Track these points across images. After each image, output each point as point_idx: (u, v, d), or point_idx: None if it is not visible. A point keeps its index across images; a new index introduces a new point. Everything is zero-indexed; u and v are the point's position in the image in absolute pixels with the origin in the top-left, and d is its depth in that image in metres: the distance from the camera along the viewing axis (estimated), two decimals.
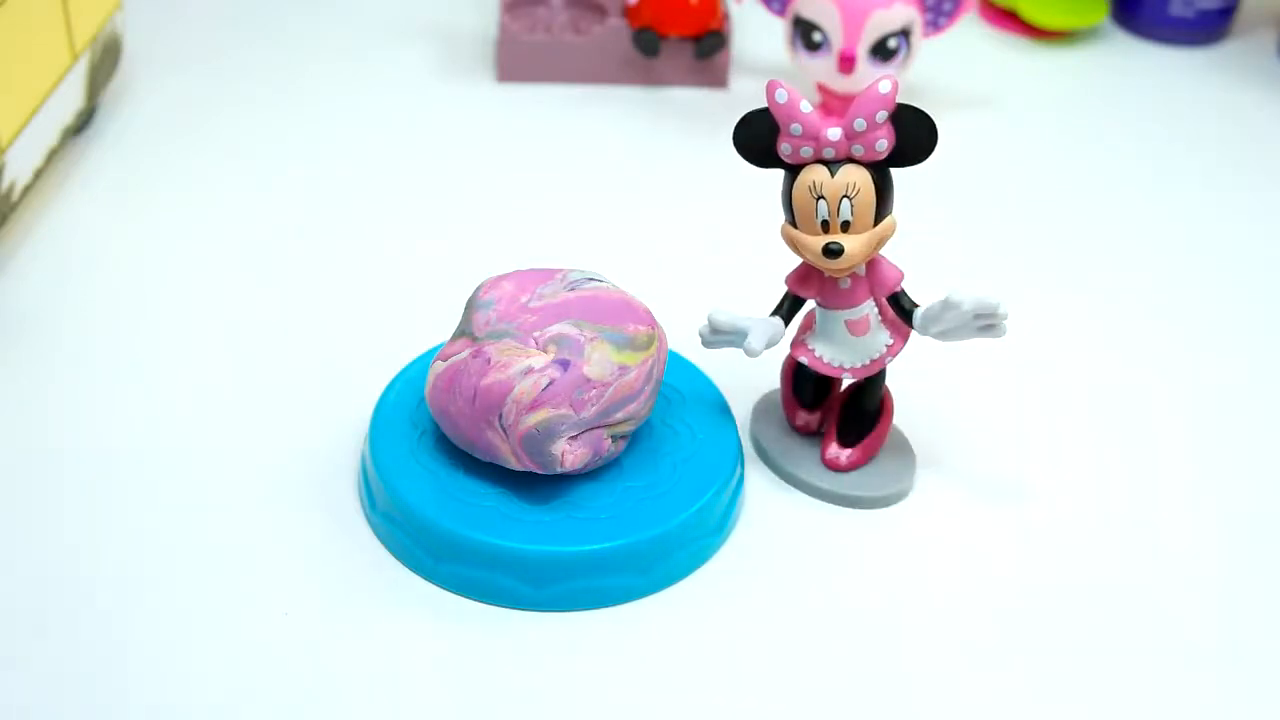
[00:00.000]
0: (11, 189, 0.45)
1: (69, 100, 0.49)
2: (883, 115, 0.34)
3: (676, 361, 0.40)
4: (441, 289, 0.43)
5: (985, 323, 0.35)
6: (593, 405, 0.35)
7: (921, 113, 0.34)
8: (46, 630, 0.34)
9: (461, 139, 0.56)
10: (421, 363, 0.40)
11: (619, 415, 0.35)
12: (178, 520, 0.37)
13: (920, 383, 0.42)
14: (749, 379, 0.41)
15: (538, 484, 0.36)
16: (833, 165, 0.34)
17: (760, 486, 0.39)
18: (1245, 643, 0.35)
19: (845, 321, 0.37)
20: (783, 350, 0.39)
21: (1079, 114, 0.60)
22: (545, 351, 0.35)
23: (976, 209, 0.53)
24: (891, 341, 0.37)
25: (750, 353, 0.37)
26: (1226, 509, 0.40)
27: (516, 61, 0.59)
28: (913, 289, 0.37)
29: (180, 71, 0.59)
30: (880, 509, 0.38)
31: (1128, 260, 0.51)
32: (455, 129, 0.57)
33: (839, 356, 0.38)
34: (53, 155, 0.49)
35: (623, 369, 0.35)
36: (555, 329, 0.35)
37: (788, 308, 0.38)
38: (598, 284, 0.37)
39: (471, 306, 0.37)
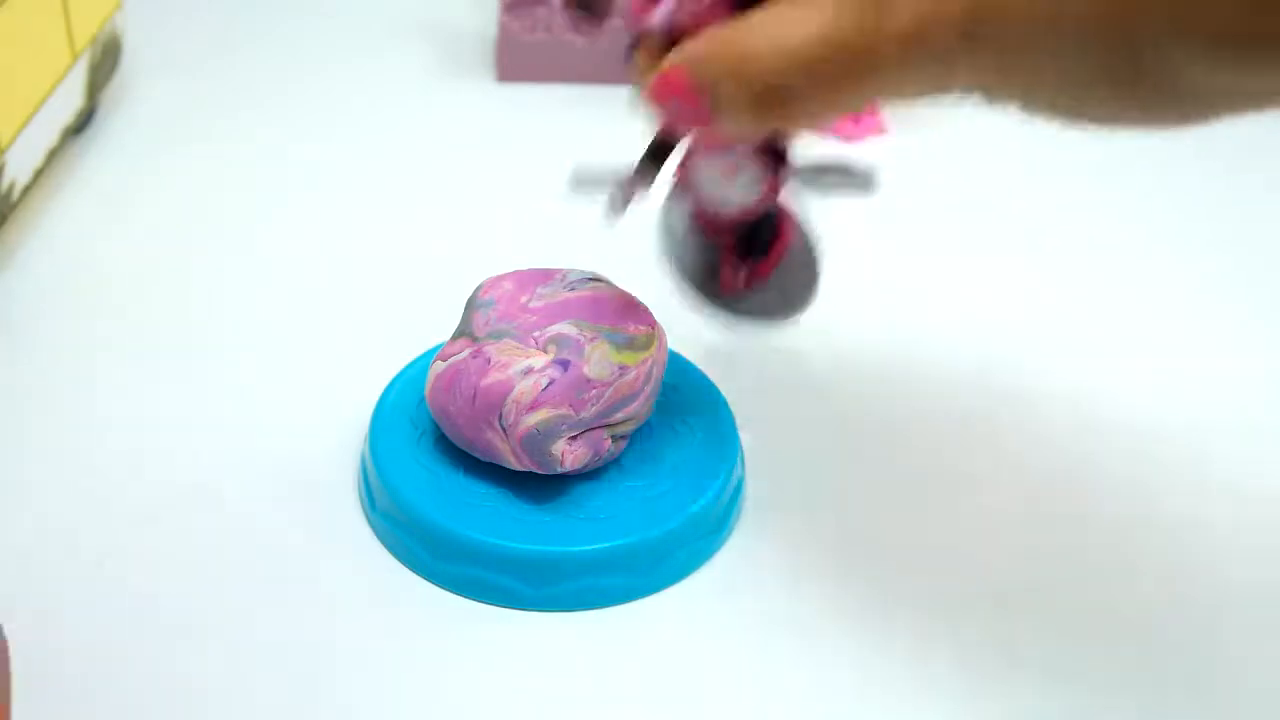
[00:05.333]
0: (11, 189, 0.45)
1: (69, 100, 0.49)
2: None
3: (676, 361, 0.40)
4: (442, 289, 0.43)
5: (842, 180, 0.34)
6: (593, 405, 0.35)
7: None
8: (36, 625, 0.34)
9: (461, 139, 0.56)
10: (422, 363, 0.40)
11: (619, 415, 0.35)
12: (175, 519, 0.37)
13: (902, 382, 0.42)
14: (750, 379, 0.41)
15: (537, 484, 0.36)
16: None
17: (760, 487, 0.39)
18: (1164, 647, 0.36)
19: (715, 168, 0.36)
20: None
21: None
22: (545, 352, 0.35)
23: (966, 204, 0.53)
24: (766, 186, 0.36)
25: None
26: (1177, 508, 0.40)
27: (516, 61, 0.59)
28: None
29: (180, 71, 0.59)
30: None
31: (1123, 262, 0.51)
32: (455, 129, 0.57)
33: (716, 192, 0.36)
34: (53, 155, 0.49)
35: (623, 369, 0.35)
36: (555, 329, 0.35)
37: (654, 155, 0.35)
38: (598, 284, 0.37)
39: (471, 306, 0.37)
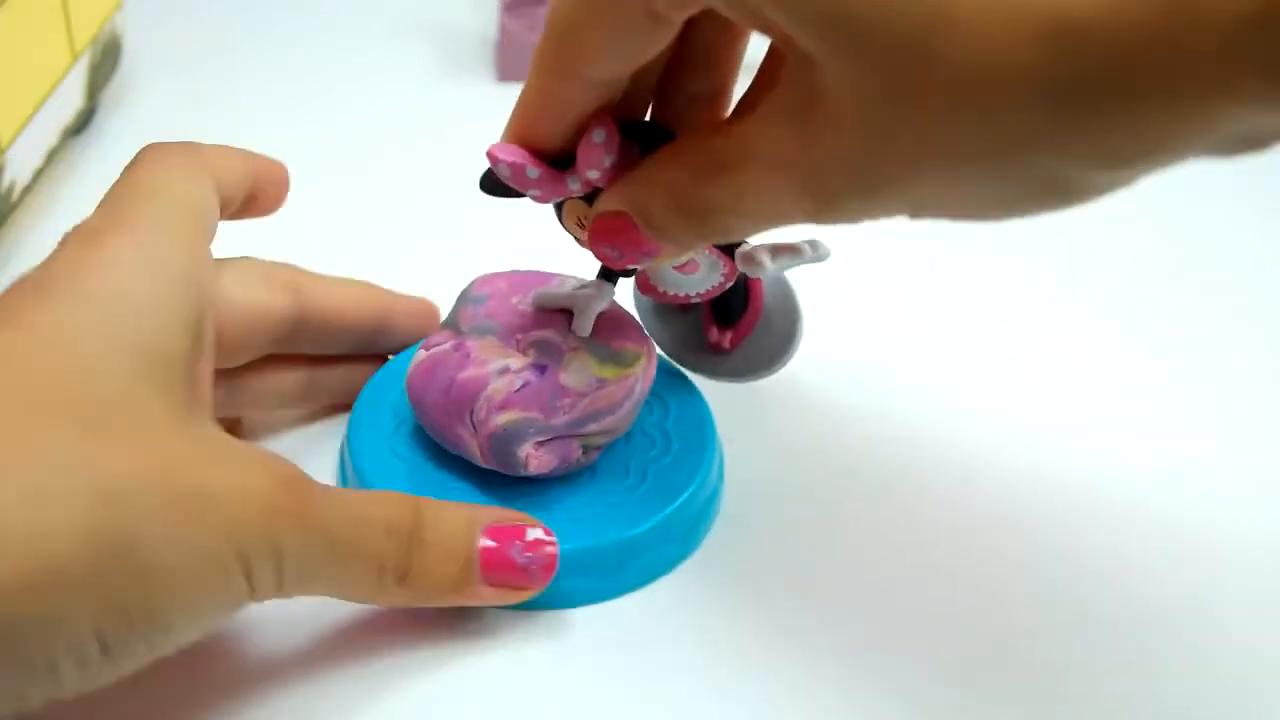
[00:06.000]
0: (11, 189, 0.45)
1: (69, 100, 0.50)
2: (609, 159, 0.31)
3: (664, 368, 0.40)
4: (439, 287, 0.43)
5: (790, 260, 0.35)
6: (565, 414, 0.34)
7: (657, 127, 0.33)
8: None
9: (461, 139, 0.56)
10: (409, 355, 0.40)
11: (592, 427, 0.35)
12: None
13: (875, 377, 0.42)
14: (737, 390, 0.41)
15: (510, 482, 0.36)
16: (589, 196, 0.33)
17: (737, 499, 0.39)
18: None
19: (672, 268, 0.37)
20: None
21: None
22: (525, 354, 0.35)
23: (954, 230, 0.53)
24: (726, 271, 0.36)
25: (581, 333, 0.36)
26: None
27: (516, 61, 0.59)
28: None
29: (180, 71, 0.59)
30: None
31: (1116, 263, 0.51)
32: (455, 129, 0.57)
33: (681, 289, 0.37)
34: (53, 155, 0.49)
35: (601, 382, 0.35)
36: (539, 333, 0.35)
37: (609, 276, 0.37)
38: None
39: (462, 300, 0.37)
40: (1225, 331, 0.47)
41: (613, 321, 0.36)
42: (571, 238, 0.35)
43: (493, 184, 0.33)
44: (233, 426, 0.40)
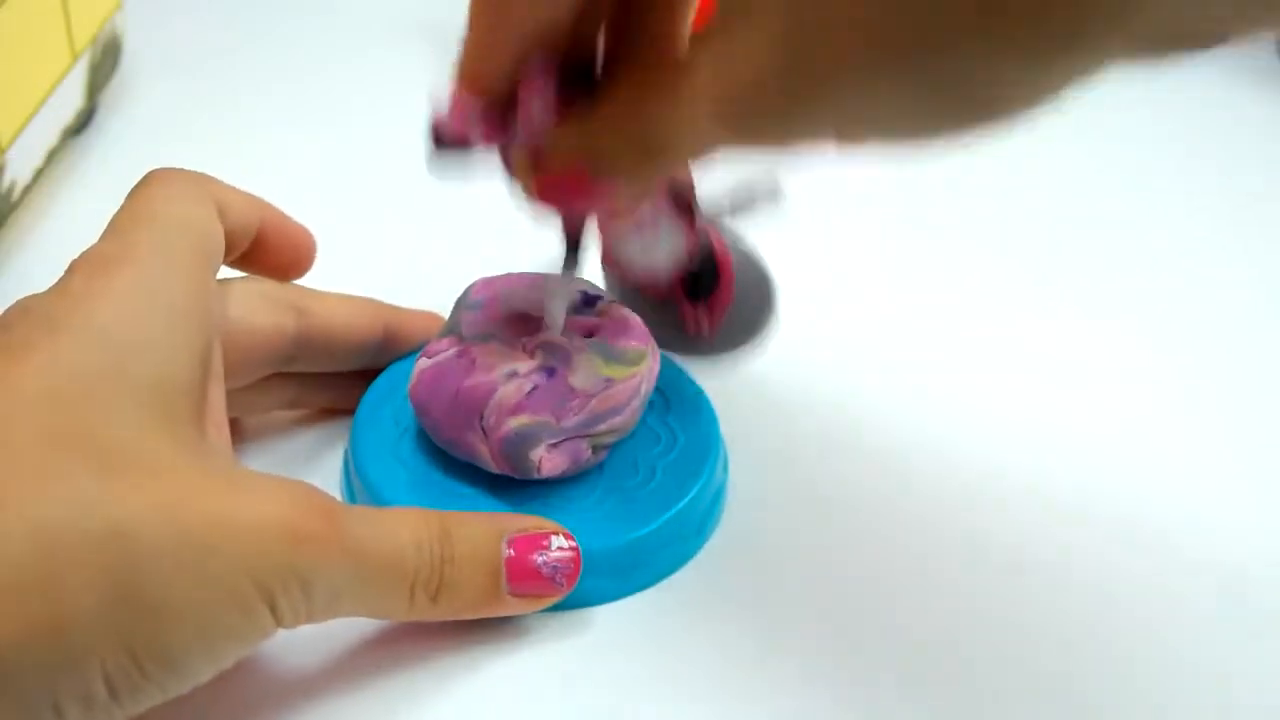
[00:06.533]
0: (11, 189, 0.45)
1: (69, 100, 0.50)
2: (548, 96, 0.31)
3: (665, 364, 0.40)
4: (440, 288, 0.43)
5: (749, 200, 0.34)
6: (575, 415, 0.34)
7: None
8: None
9: None
10: (410, 361, 0.40)
11: (602, 427, 0.35)
12: None
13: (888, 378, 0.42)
14: (739, 385, 0.41)
15: (516, 485, 0.36)
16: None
17: (742, 492, 0.39)
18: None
19: (634, 237, 0.37)
20: None
21: (1073, 110, 0.59)
22: (532, 357, 0.35)
23: (964, 205, 0.53)
24: (686, 232, 0.36)
25: (554, 331, 0.36)
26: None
27: None
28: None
29: (180, 71, 0.59)
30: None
31: (1118, 261, 0.51)
32: None
33: (645, 259, 0.37)
34: (53, 155, 0.49)
35: (609, 382, 0.35)
36: (544, 336, 0.35)
37: (572, 248, 0.37)
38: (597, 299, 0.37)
39: (461, 306, 0.37)
40: (1223, 326, 0.47)
41: (617, 321, 0.36)
42: (524, 205, 0.34)
43: (439, 139, 0.33)
44: (230, 429, 0.40)
